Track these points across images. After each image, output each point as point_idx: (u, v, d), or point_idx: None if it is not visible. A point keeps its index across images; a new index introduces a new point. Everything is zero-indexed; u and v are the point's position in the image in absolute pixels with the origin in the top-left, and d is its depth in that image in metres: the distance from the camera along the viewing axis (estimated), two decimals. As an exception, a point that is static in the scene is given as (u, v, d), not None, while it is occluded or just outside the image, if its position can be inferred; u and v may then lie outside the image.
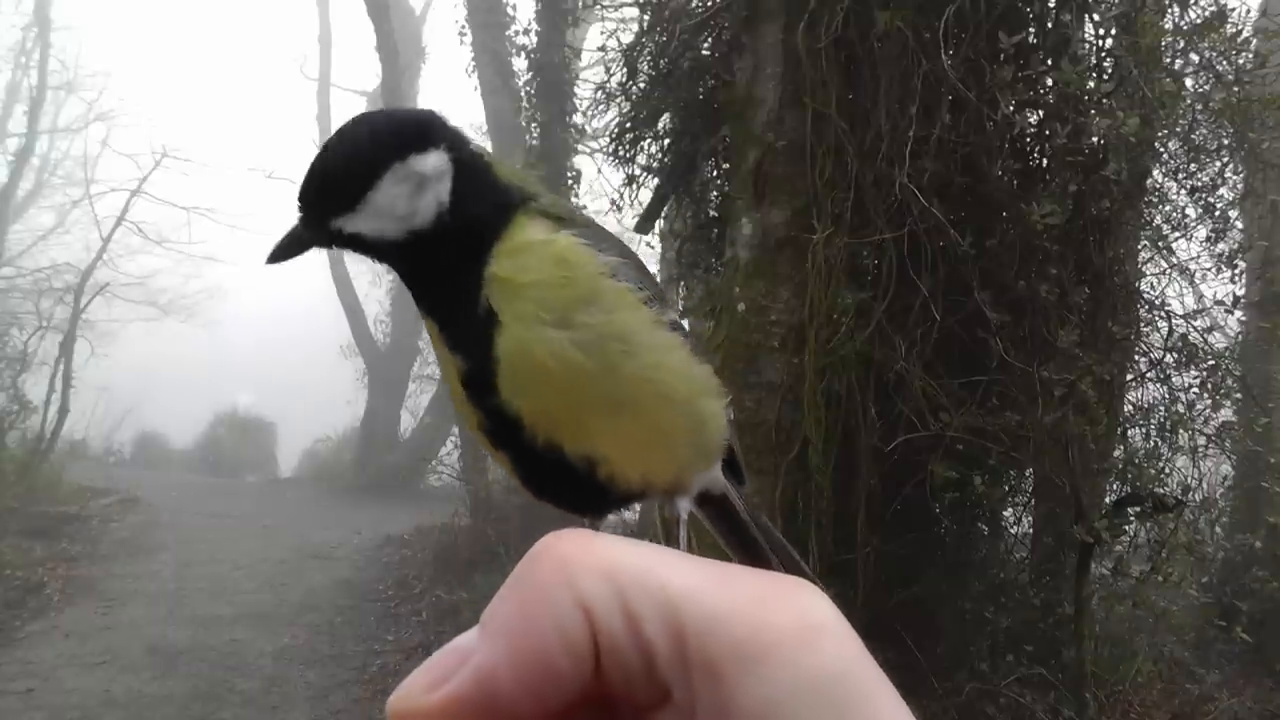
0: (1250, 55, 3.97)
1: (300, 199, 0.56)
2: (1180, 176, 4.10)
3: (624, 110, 4.69)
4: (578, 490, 0.61)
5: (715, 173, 4.44)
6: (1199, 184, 4.09)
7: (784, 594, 0.28)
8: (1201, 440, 4.02)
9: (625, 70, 4.61)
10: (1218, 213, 4.11)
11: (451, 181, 0.55)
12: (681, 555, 0.29)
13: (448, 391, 0.65)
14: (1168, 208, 4.24)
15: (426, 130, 0.56)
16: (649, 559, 0.28)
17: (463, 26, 9.30)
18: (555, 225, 0.56)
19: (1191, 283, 4.15)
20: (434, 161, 0.55)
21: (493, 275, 0.54)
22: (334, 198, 0.56)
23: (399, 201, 0.55)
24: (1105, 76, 3.64)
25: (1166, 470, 3.97)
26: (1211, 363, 3.90)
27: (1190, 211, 4.18)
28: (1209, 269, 4.15)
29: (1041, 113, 3.53)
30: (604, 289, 0.55)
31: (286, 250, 0.58)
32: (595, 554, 0.28)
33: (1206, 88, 3.99)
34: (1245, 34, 3.97)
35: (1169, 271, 4.16)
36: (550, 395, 0.55)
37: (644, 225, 4.77)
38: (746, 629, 0.26)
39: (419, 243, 0.55)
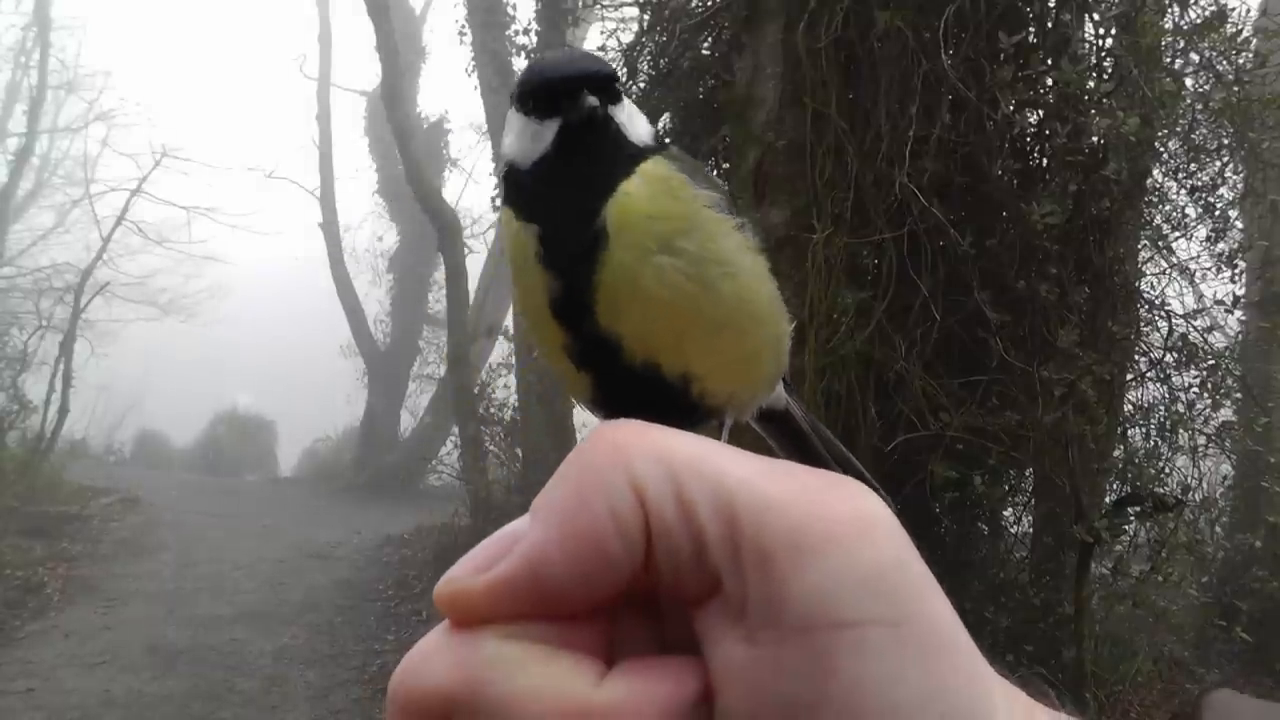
0: (1250, 55, 3.97)
1: (592, 82, 0.60)
2: (1180, 176, 4.10)
3: (624, 110, 4.68)
4: (664, 408, 0.62)
5: (715, 173, 4.44)
6: (1199, 184, 4.09)
7: (839, 488, 0.27)
8: (1201, 440, 4.02)
9: (625, 70, 4.61)
10: (1218, 213, 4.11)
11: (628, 123, 0.62)
12: (737, 450, 0.28)
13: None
14: (1168, 207, 4.24)
15: (612, 80, 0.63)
16: (706, 448, 0.28)
17: (463, 26, 9.30)
18: (673, 165, 0.61)
19: (1191, 283, 4.15)
20: (629, 107, 0.63)
21: (615, 203, 0.58)
22: (613, 89, 0.61)
23: (626, 117, 0.62)
24: (1105, 76, 3.64)
25: (1166, 470, 3.97)
26: (1211, 363, 3.90)
27: (1190, 211, 4.18)
28: (1209, 269, 4.15)
29: (1041, 113, 3.53)
30: (705, 218, 0.60)
31: (593, 127, 0.60)
32: (651, 440, 0.28)
33: (1206, 88, 3.99)
34: (1245, 34, 3.97)
35: (1169, 271, 4.16)
36: (655, 318, 0.58)
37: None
38: (802, 518, 0.26)
39: (590, 153, 0.60)
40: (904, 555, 0.27)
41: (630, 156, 0.60)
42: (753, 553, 0.25)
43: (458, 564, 0.28)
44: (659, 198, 0.59)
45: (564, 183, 0.60)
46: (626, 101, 0.62)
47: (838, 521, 0.26)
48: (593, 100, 0.59)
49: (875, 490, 0.29)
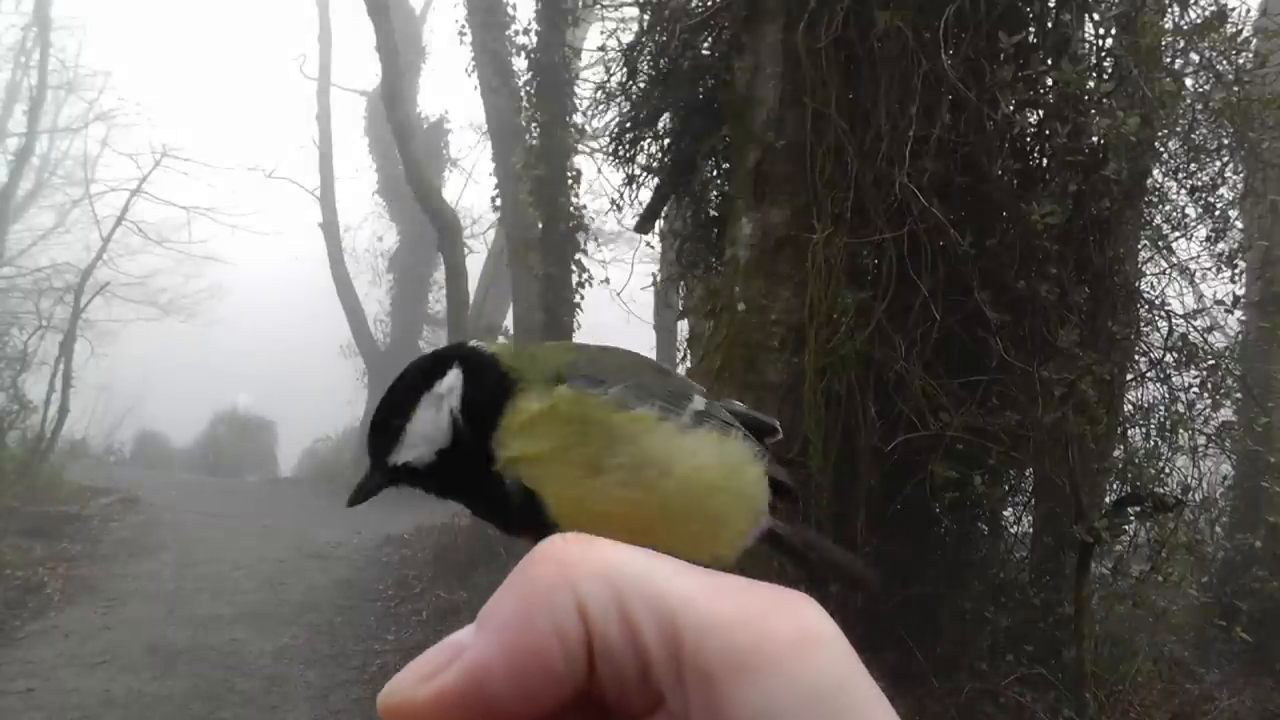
0: (1250, 55, 3.97)
1: (366, 447, 0.61)
2: (1180, 176, 4.10)
3: (624, 110, 4.69)
4: None
5: (715, 172, 4.44)
6: (1199, 184, 4.09)
7: (783, 606, 0.27)
8: (1201, 440, 4.02)
9: (625, 70, 4.61)
10: (1218, 212, 4.11)
11: (461, 390, 0.59)
12: (682, 564, 0.29)
13: None
14: (1168, 208, 4.24)
15: (451, 354, 0.61)
16: (652, 565, 0.28)
17: (463, 26, 9.30)
18: (546, 387, 0.57)
19: (1191, 282, 4.15)
20: (449, 379, 0.59)
21: (506, 459, 0.56)
22: (383, 436, 0.60)
23: (429, 426, 0.59)
24: (1105, 76, 3.64)
25: (1166, 470, 3.97)
26: (1211, 362, 3.90)
27: (1190, 211, 4.18)
28: (1209, 269, 4.15)
29: (1041, 113, 3.53)
30: (616, 424, 0.56)
31: (361, 494, 0.62)
32: (596, 557, 0.28)
33: (1206, 88, 3.99)
34: (1245, 34, 3.97)
35: (1169, 271, 4.16)
36: (610, 531, 0.57)
37: (644, 225, 4.77)
38: (744, 638, 0.26)
39: (450, 456, 0.59)
40: (848, 675, 0.26)
41: (493, 413, 0.57)
42: (695, 673, 0.26)
43: (402, 672, 0.28)
44: (549, 429, 0.55)
45: (464, 474, 0.58)
46: (450, 374, 0.59)
47: (780, 641, 0.26)
48: (373, 480, 0.60)
49: (866, 583, 0.29)
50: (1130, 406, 4.05)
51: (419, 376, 0.60)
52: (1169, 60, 3.80)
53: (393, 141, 10.51)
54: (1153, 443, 3.97)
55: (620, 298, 8.40)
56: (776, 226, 3.50)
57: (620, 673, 0.26)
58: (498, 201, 9.46)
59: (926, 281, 3.21)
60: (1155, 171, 4.01)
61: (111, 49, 34.11)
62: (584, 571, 0.27)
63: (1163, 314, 3.94)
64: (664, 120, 4.57)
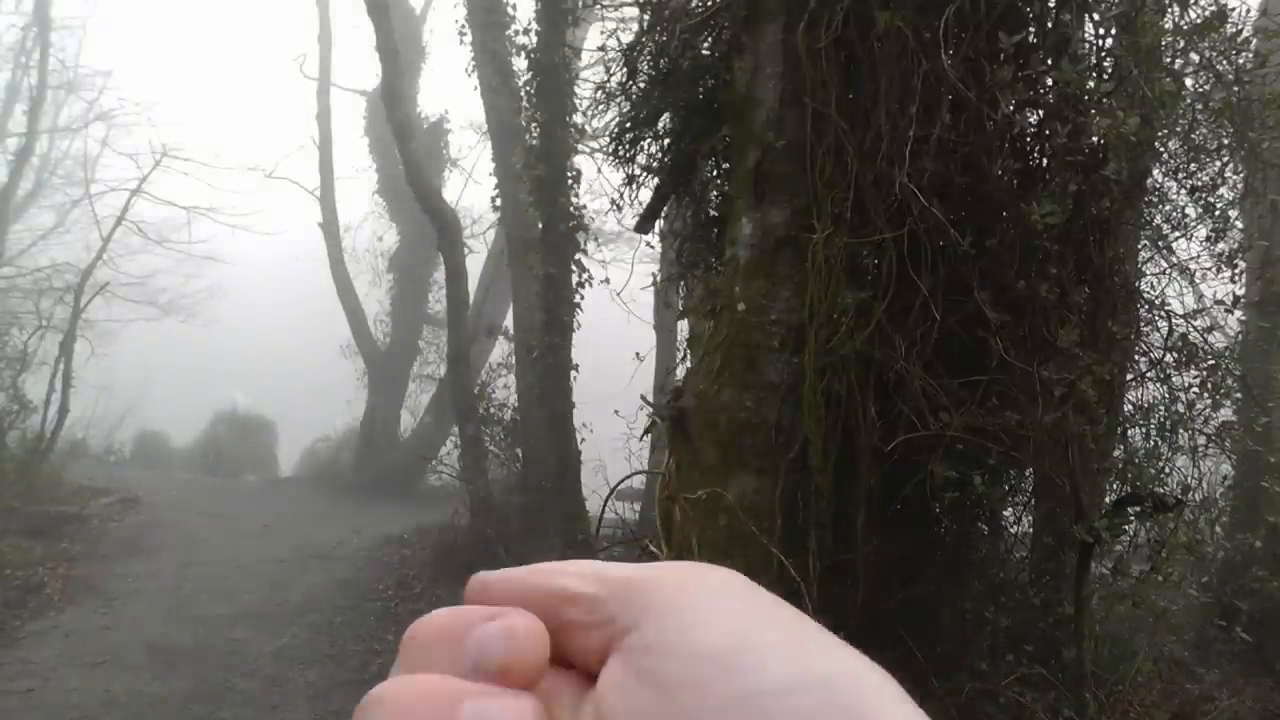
0: (1250, 55, 3.97)
1: None
2: (1180, 176, 4.11)
3: (624, 110, 4.69)
4: None
5: (715, 172, 4.44)
6: (1199, 184, 4.09)
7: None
8: (1201, 440, 4.02)
9: (625, 70, 4.61)
10: (1218, 213, 4.11)
11: None
12: None
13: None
14: (1168, 208, 4.24)
15: None
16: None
17: (463, 26, 9.30)
18: None
19: (1191, 283, 4.15)
20: None
21: None
22: None
23: None
24: (1105, 76, 3.64)
25: (1166, 470, 3.97)
26: (1211, 363, 3.90)
27: (1190, 211, 4.18)
28: (1209, 269, 4.15)
29: (1041, 113, 3.52)
30: None
31: None
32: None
33: (1206, 88, 3.99)
34: (1245, 34, 3.97)
35: (1169, 271, 4.16)
36: None
37: (644, 225, 4.77)
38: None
39: None
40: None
41: None
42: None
43: None
44: None
45: None
46: None
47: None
48: None
49: None
50: (1130, 406, 4.05)
51: None
52: (1169, 60, 3.80)
53: (393, 141, 10.50)
54: (1153, 443, 3.97)
55: (620, 298, 8.41)
56: (776, 226, 3.50)
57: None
58: (498, 201, 9.46)
59: (926, 281, 3.21)
60: (1155, 171, 4.01)
61: (111, 49, 34.10)
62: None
63: (1163, 314, 3.94)
64: (664, 120, 4.56)
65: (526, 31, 8.13)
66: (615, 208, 5.00)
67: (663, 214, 4.88)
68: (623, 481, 5.48)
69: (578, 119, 7.94)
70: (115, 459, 16.23)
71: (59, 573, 7.14)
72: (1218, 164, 4.16)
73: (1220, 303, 4.08)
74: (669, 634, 0.29)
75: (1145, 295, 3.96)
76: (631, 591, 0.30)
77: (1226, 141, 4.09)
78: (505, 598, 0.32)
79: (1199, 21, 3.77)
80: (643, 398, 5.11)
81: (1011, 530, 4.19)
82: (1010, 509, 4.10)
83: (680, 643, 0.28)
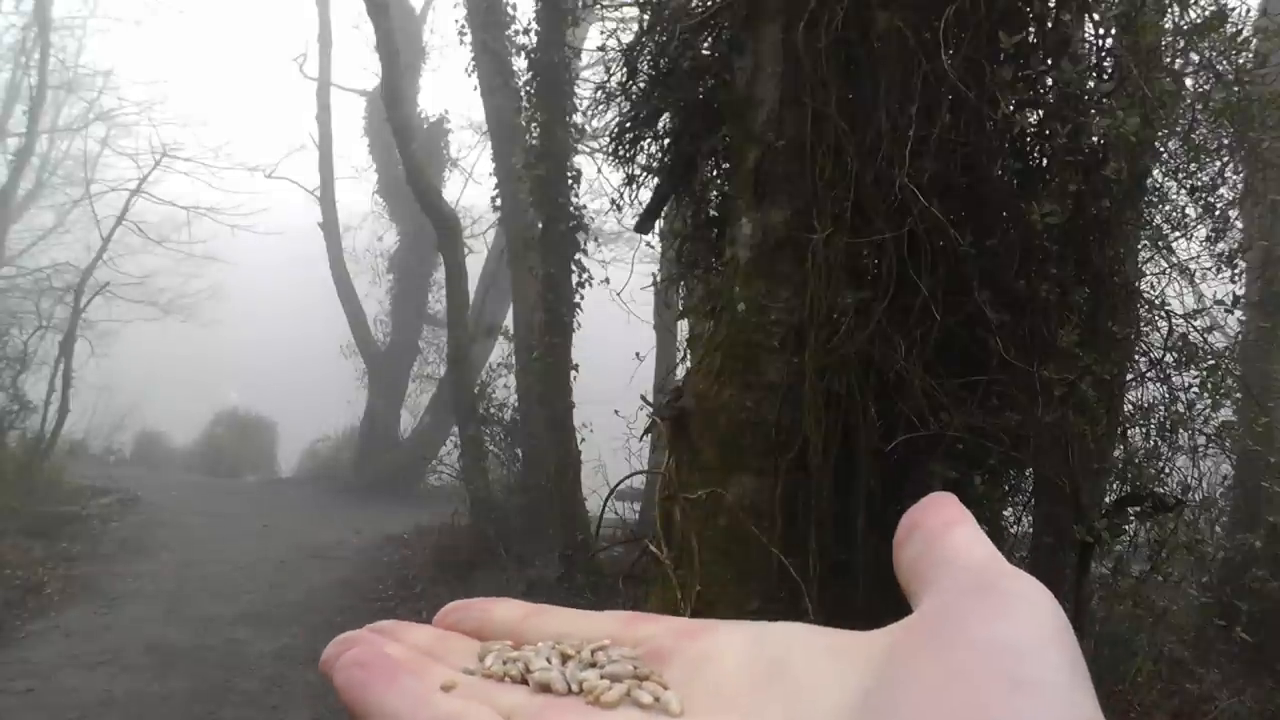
0: (1250, 55, 3.97)
1: None
2: (1180, 176, 4.11)
3: (624, 110, 4.68)
4: None
5: (715, 173, 4.43)
6: (1199, 184, 4.09)
7: None
8: (1201, 440, 4.02)
9: (625, 70, 4.61)
10: (1218, 212, 4.11)
11: None
12: None
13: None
14: (1168, 208, 4.24)
15: None
16: None
17: (463, 26, 9.31)
18: None
19: (1191, 282, 4.16)
20: None
21: None
22: None
23: None
24: (1105, 76, 3.64)
25: (1166, 470, 3.97)
26: (1211, 363, 3.90)
27: (1190, 211, 4.18)
28: (1209, 269, 4.16)
29: (1041, 113, 3.52)
30: None
31: None
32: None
33: (1206, 88, 3.99)
34: (1245, 34, 3.97)
35: (1169, 271, 4.16)
36: None
37: (644, 225, 4.77)
38: None
39: None
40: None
41: None
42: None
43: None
44: None
45: None
46: None
47: None
48: None
49: None
50: (1130, 406, 4.05)
51: None
52: (1169, 60, 3.80)
53: (393, 141, 10.50)
54: (1153, 443, 3.97)
55: (620, 298, 8.39)
56: (776, 226, 3.50)
57: None
58: (498, 201, 9.46)
59: (926, 281, 3.20)
60: (1155, 171, 4.01)
61: (111, 49, 34.10)
62: None
63: (1163, 314, 3.94)
64: (664, 120, 4.56)
65: (526, 31, 8.12)
66: (615, 208, 5.00)
67: (663, 214, 4.88)
68: (623, 481, 5.48)
69: (578, 119, 7.95)
70: (115, 459, 16.23)
71: (59, 573, 7.14)
72: (1218, 164, 4.16)
73: (1220, 303, 4.08)
74: None
75: (1145, 295, 3.96)
76: None
77: (1226, 141, 4.10)
78: None
79: (1199, 21, 3.77)
80: (643, 398, 5.11)
81: (1011, 530, 4.19)
82: (1010, 509, 4.10)
83: None
